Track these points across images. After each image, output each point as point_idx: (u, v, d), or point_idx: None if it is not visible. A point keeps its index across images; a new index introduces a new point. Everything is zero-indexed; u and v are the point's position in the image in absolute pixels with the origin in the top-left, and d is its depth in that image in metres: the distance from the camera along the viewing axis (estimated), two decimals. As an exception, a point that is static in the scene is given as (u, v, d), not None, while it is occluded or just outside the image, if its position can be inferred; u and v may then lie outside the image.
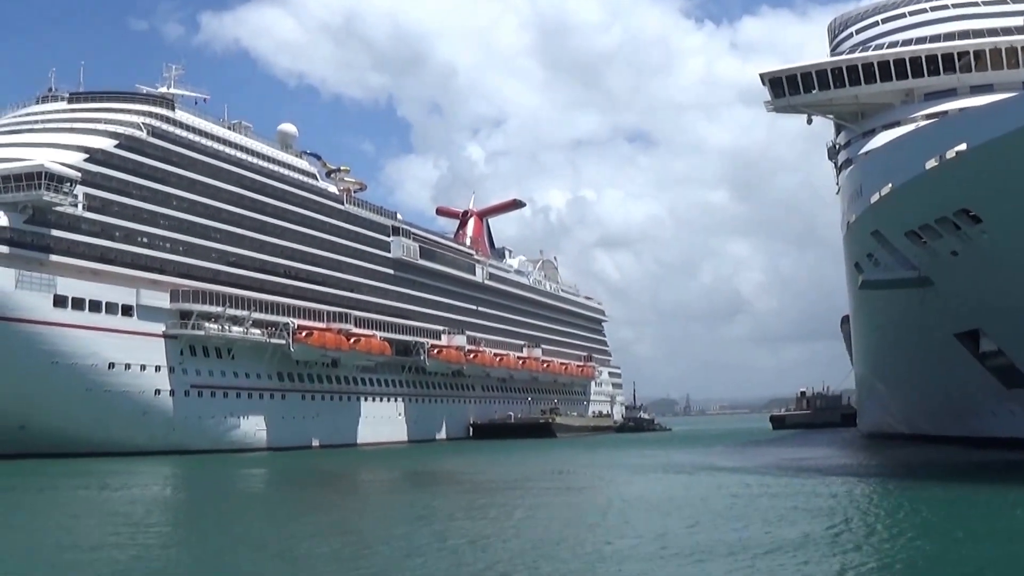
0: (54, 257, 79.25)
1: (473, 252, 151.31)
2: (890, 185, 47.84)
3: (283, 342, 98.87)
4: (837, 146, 75.99)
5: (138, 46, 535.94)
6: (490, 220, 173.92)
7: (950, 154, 41.70)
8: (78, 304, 79.52)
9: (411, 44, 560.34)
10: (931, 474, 44.79)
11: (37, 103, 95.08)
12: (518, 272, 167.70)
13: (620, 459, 71.23)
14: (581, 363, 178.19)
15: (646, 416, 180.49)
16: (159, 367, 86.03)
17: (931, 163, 43.16)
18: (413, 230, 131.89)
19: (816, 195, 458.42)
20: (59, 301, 77.93)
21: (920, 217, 47.30)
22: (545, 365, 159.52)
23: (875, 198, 49.88)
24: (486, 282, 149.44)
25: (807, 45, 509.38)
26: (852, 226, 56.10)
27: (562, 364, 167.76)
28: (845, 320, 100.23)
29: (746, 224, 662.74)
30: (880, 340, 68.40)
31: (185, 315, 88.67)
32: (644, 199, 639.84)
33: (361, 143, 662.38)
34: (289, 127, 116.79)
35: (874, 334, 70.03)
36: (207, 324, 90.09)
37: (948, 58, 64.73)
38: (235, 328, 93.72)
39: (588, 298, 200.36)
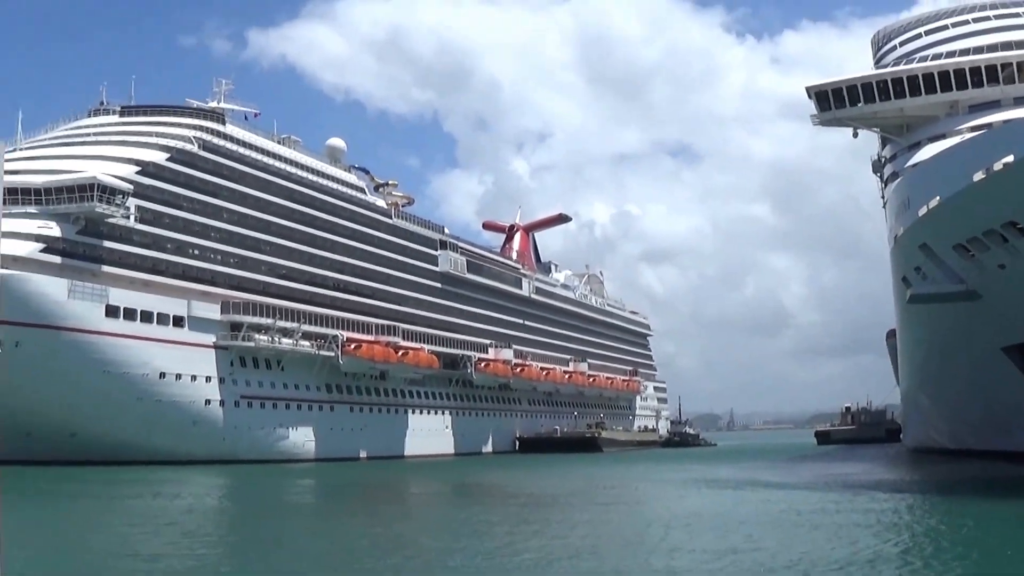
0: (106, 268, 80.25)
1: (519, 266, 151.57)
2: (938, 198, 47.65)
3: (332, 354, 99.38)
4: (882, 159, 75.64)
5: (186, 61, 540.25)
6: (536, 234, 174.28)
7: (997, 166, 41.52)
8: (130, 314, 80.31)
9: (456, 59, 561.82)
10: (986, 489, 44.32)
11: (89, 116, 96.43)
12: (564, 286, 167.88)
13: (669, 474, 70.91)
14: (627, 377, 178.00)
15: (691, 431, 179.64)
16: (209, 377, 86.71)
17: (979, 175, 43.00)
18: (460, 244, 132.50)
19: (858, 208, 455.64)
20: (111, 311, 78.75)
21: (968, 230, 47.03)
22: (591, 379, 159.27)
23: (923, 211, 49.66)
24: (533, 296, 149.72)
25: (848, 59, 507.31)
26: (900, 239, 55.78)
27: (608, 378, 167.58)
28: (891, 334, 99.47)
29: (788, 237, 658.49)
30: (926, 354, 67.90)
31: (236, 326, 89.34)
32: (687, 213, 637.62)
33: (407, 158, 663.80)
34: (338, 141, 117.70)
35: (920, 348, 69.52)
36: (257, 335, 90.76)
37: (991, 70, 64.33)
38: (285, 340, 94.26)
39: (634, 312, 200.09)
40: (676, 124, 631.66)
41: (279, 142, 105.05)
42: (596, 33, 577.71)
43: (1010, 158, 40.49)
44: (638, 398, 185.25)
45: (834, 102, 68.31)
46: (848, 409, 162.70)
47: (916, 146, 65.14)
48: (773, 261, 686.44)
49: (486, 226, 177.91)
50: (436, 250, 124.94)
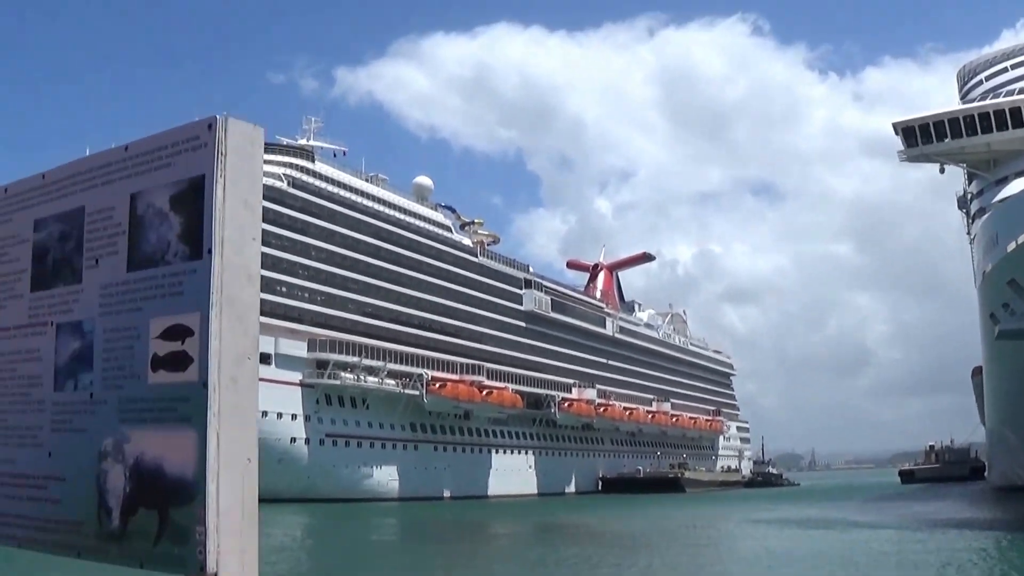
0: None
1: (603, 305, 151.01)
2: None
3: (417, 393, 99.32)
4: (969, 195, 74.33)
5: (276, 98, 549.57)
6: (619, 273, 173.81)
7: None
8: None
9: (540, 98, 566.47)
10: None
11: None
12: (647, 325, 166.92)
13: (755, 514, 69.76)
14: (710, 417, 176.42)
15: (774, 471, 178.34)
16: (295, 415, 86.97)
17: None
18: (545, 283, 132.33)
19: (941, 245, 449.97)
20: (199, 348, 78.95)
21: None
22: (674, 419, 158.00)
23: (1011, 247, 48.58)
24: (616, 335, 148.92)
25: (931, 94, 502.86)
26: (988, 275, 54.69)
27: (691, 418, 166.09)
28: (976, 372, 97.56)
29: (870, 275, 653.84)
30: (1015, 390, 66.27)
31: (321, 364, 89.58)
32: (769, 252, 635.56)
33: (491, 196, 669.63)
34: (425, 180, 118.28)
35: (1008, 384, 67.91)
36: (343, 374, 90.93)
37: None
38: (370, 378, 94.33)
39: (717, 352, 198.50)
40: (758, 162, 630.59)
41: (367, 180, 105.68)
42: (679, 72, 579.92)
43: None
44: (721, 438, 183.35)
45: (921, 138, 67.35)
46: (932, 447, 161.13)
47: (1003, 181, 63.76)
48: (855, 299, 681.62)
49: (570, 265, 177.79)
50: (521, 289, 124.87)
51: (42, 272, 3.87)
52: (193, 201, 3.27)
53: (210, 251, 3.21)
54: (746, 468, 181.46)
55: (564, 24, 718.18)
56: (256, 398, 3.35)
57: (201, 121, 3.30)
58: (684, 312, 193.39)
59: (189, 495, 3.15)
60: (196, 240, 3.25)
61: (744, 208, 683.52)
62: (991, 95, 69.74)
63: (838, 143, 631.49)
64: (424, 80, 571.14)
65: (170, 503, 3.21)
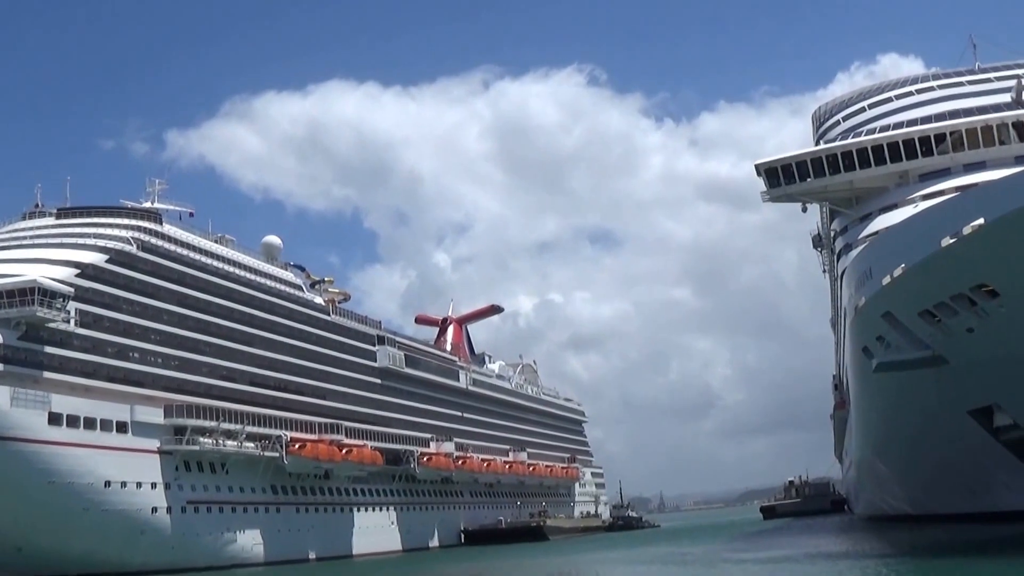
0: (47, 374, 77.73)
1: (456, 359, 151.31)
2: (903, 266, 48.00)
3: (277, 455, 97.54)
4: (833, 232, 76.46)
5: (107, 164, 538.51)
6: (468, 326, 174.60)
7: (967, 229, 42.03)
8: (72, 421, 77.78)
9: (376, 154, 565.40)
10: (970, 550, 44.58)
11: (24, 219, 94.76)
12: (499, 377, 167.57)
13: (637, 555, 70.55)
14: (565, 465, 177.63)
15: (633, 514, 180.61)
16: (155, 484, 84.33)
17: (947, 240, 43.42)
18: (398, 339, 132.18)
19: (779, 285, 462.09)
20: (54, 419, 76.06)
21: (935, 295, 47.50)
22: (531, 468, 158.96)
23: (886, 280, 49.98)
24: (470, 388, 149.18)
25: (766, 137, 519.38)
26: (861, 309, 56.10)
27: (547, 467, 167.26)
28: (838, 406, 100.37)
29: (710, 318, 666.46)
30: (888, 421, 68.23)
31: (179, 430, 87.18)
32: (610, 299, 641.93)
33: (327, 255, 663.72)
34: (274, 239, 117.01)
35: (880, 416, 69.89)
36: (201, 439, 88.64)
37: (940, 138, 65.29)
38: (229, 442, 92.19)
39: (568, 400, 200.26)
40: (596, 210, 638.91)
41: (216, 241, 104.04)
42: (514, 123, 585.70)
43: (980, 221, 41.09)
44: (577, 484, 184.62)
45: (784, 178, 68.87)
46: (791, 483, 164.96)
47: (867, 217, 65.78)
48: (697, 343, 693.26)
49: (419, 320, 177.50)
50: (374, 345, 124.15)
51: None
52: None
53: None
54: (605, 513, 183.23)
55: (398, 79, 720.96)
56: None
57: None
58: (534, 362, 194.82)
59: None
60: None
61: (583, 256, 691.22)
62: (852, 134, 71.57)
63: (675, 188, 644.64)
64: (256, 140, 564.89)
65: None
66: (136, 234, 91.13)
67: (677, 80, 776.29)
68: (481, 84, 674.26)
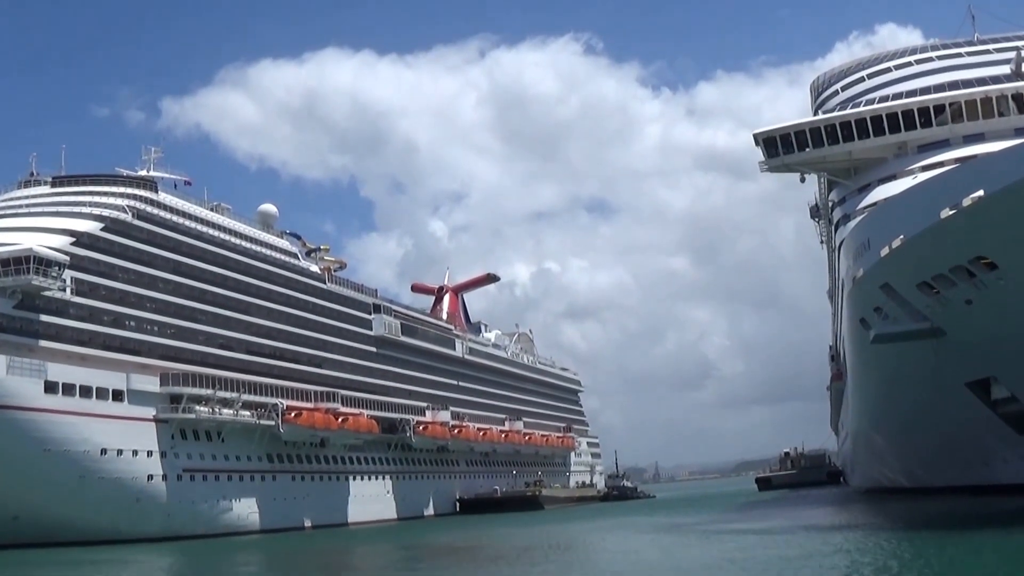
0: (43, 342, 77.82)
1: (452, 327, 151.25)
2: (901, 237, 47.71)
3: (273, 423, 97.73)
4: (831, 203, 76.03)
5: (101, 132, 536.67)
6: (464, 295, 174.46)
7: (967, 201, 41.72)
8: (68, 390, 78.02)
9: (372, 123, 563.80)
10: (967, 523, 44.61)
11: (20, 187, 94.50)
12: (495, 346, 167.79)
13: (632, 524, 70.54)
14: (561, 434, 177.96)
15: (629, 484, 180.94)
16: (151, 452, 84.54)
17: (946, 212, 43.14)
18: (394, 307, 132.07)
19: (776, 256, 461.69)
20: (50, 387, 76.33)
21: (934, 267, 47.23)
22: (527, 438, 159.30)
23: (885, 251, 49.71)
24: (466, 357, 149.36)
25: (764, 107, 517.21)
26: (859, 280, 55.82)
27: (543, 436, 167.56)
28: (835, 377, 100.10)
29: (708, 289, 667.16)
30: (885, 393, 68.09)
31: (175, 399, 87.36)
32: (607, 268, 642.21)
33: (323, 223, 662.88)
34: (270, 207, 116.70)
35: (877, 388, 69.77)
36: (197, 407, 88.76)
37: (939, 109, 64.85)
38: (225, 410, 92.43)
39: (564, 369, 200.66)
40: (593, 180, 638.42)
41: (211, 209, 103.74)
42: (511, 92, 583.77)
43: (980, 193, 40.80)
44: (573, 454, 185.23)
45: (782, 148, 68.36)
46: (787, 454, 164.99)
47: (866, 188, 65.36)
48: (694, 313, 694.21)
49: (415, 288, 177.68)
50: (370, 314, 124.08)
51: None
52: None
53: None
54: (600, 483, 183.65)
55: (394, 47, 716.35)
56: None
57: None
58: (530, 331, 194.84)
59: None
60: None
61: (579, 225, 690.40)
62: (851, 104, 70.99)
63: (672, 158, 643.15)
64: (252, 108, 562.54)
65: None
66: (132, 202, 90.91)
67: (674, 49, 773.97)
68: (477, 52, 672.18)
